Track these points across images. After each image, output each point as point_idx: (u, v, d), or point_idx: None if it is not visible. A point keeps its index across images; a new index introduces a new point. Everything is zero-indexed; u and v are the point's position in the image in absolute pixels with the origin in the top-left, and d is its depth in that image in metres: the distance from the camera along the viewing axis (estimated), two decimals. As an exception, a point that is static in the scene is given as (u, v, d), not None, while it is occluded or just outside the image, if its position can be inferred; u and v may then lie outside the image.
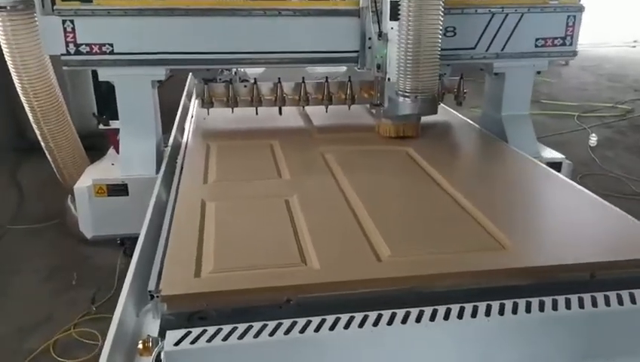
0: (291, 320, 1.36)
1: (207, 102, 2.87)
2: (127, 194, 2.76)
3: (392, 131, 2.73)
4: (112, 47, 2.66)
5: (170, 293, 1.43)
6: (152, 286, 1.51)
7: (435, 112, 2.67)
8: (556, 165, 2.99)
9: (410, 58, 2.44)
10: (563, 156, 3.06)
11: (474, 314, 1.38)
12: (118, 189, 2.75)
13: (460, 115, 3.36)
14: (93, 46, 2.65)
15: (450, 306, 1.40)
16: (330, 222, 1.85)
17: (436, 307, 1.39)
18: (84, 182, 2.79)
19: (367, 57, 2.77)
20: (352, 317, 1.37)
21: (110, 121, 3.13)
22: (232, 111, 2.90)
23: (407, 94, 2.52)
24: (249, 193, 2.10)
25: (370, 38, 2.72)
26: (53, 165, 3.40)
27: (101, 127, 3.18)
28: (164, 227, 1.89)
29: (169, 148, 3.00)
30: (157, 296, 1.47)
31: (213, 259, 1.59)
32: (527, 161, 2.51)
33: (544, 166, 2.44)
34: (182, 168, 2.45)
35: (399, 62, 2.50)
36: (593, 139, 6.00)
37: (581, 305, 1.42)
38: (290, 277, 1.51)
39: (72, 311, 3.21)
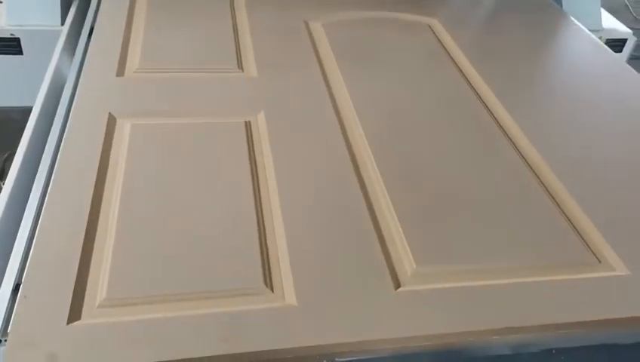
0: None
1: None
2: (22, 53, 1.92)
3: None
4: None
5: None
6: (-5, 325, 0.85)
7: None
8: (620, 42, 2.24)
9: None
10: (629, 30, 2.28)
11: None
12: (7, 45, 1.89)
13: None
14: None
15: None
16: (315, 184, 1.12)
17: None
18: (-44, 30, 1.90)
19: None
20: None
21: None
22: None
23: None
24: (188, 103, 1.31)
25: None
26: None
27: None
28: (43, 163, 1.16)
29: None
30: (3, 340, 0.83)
31: (107, 278, 0.90)
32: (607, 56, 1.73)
33: (625, 65, 1.67)
34: (90, 32, 1.60)
35: None
36: (627, -22, 5.03)
37: None
38: (241, 326, 0.85)
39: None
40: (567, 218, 1.10)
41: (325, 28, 1.66)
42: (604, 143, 1.34)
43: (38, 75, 1.54)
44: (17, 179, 1.15)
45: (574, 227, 1.08)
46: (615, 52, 2.22)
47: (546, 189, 1.17)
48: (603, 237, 1.06)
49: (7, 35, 1.87)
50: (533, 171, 1.21)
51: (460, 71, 1.54)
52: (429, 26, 1.75)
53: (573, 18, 1.95)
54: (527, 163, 1.23)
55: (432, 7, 1.86)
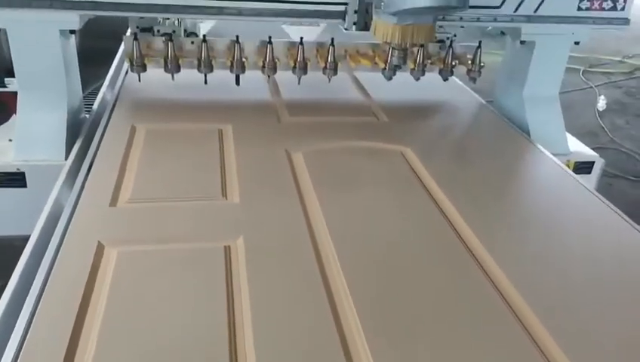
0: None
1: (137, 65, 2.11)
2: (25, 186, 2.05)
3: (395, 35, 1.87)
4: (1, -21, 1.88)
5: None
6: None
7: (465, 7, 1.82)
8: (588, 165, 2.38)
9: None
10: (596, 154, 2.43)
11: None
12: (13, 179, 2.04)
13: (469, 91, 2.66)
14: (-28, -23, 1.86)
15: None
16: (288, 308, 1.19)
17: None
18: (-33, 167, 2.06)
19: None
20: None
21: (7, 80, 2.35)
22: (173, 78, 2.15)
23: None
24: (173, 231, 1.42)
25: None
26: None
27: (-5, 88, 2.41)
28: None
29: (93, 115, 2.28)
30: None
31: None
32: (567, 179, 1.85)
33: (593, 193, 1.77)
34: (90, 167, 1.75)
35: None
36: (602, 102, 5.39)
37: None
38: None
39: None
40: (538, 347, 1.13)
41: (305, 157, 1.80)
42: (572, 268, 1.40)
43: (40, 206, 1.66)
44: (6, 310, 1.22)
45: (545, 356, 1.11)
46: (584, 173, 2.37)
47: (515, 314, 1.21)
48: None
49: (14, 170, 2.02)
50: (501, 294, 1.26)
51: (431, 196, 1.65)
52: (402, 154, 1.89)
53: (539, 145, 2.10)
54: (496, 286, 1.29)
55: (405, 136, 2.03)
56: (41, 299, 1.16)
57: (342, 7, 2.03)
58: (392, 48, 2.06)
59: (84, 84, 2.37)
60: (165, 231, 1.41)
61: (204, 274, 1.25)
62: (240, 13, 2.01)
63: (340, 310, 1.19)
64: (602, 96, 5.49)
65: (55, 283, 1.20)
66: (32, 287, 1.25)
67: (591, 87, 5.94)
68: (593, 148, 2.52)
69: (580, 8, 2.26)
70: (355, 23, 2.03)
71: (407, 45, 2.01)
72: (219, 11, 2.01)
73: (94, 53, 3.11)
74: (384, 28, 1.88)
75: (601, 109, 5.29)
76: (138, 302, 1.16)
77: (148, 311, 1.13)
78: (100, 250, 1.30)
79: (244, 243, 1.36)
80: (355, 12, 2.01)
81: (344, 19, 2.05)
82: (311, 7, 2.03)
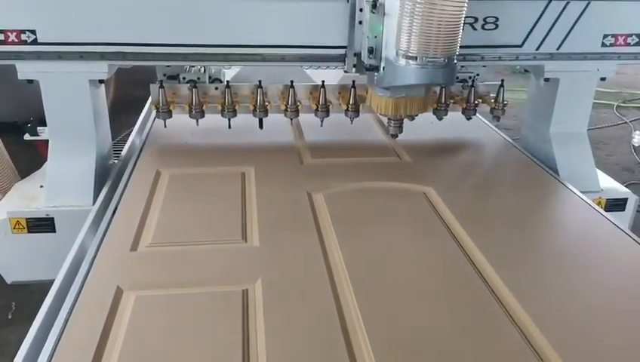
0: None
1: (162, 111, 2.17)
2: (54, 231, 2.10)
3: (388, 107, 1.94)
4: (35, 34, 1.97)
5: None
6: None
7: (452, 82, 1.86)
8: (621, 202, 2.30)
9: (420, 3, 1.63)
10: (628, 190, 2.36)
11: None
12: (42, 224, 2.08)
13: (493, 129, 2.63)
14: (8, 33, 1.96)
15: None
16: (305, 349, 1.16)
17: None
18: (-1, 213, 2.12)
19: (356, 38, 1.98)
20: None
21: (39, 129, 2.44)
22: (197, 124, 2.20)
23: (411, 55, 1.71)
24: (191, 275, 1.41)
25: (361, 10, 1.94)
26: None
27: (27, 137, 2.50)
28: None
29: (121, 160, 2.34)
30: None
31: None
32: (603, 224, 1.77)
33: (622, 230, 1.70)
34: (114, 211, 1.78)
35: (402, 9, 1.69)
36: (637, 138, 5.26)
37: None
38: None
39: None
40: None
41: (326, 198, 1.80)
42: (599, 306, 1.34)
43: (68, 250, 1.69)
44: (28, 352, 1.22)
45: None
46: (617, 211, 2.29)
47: (538, 355, 1.16)
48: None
49: (43, 216, 2.07)
50: (525, 337, 1.21)
51: (454, 236, 1.61)
52: (425, 194, 1.87)
53: (567, 183, 2.04)
54: (520, 328, 1.24)
55: (427, 176, 2.00)
56: (59, 343, 1.16)
57: (342, 51, 2.03)
58: (389, 119, 2.06)
59: (117, 131, 2.44)
60: (183, 275, 1.41)
61: (220, 319, 1.24)
62: (264, 59, 2.05)
63: (357, 353, 1.16)
64: (637, 132, 5.36)
65: (73, 328, 1.20)
66: (52, 331, 1.25)
67: (625, 122, 5.83)
68: (629, 185, 2.45)
69: (604, 44, 2.24)
70: (354, 66, 2.03)
71: (402, 116, 2.02)
72: (241, 58, 2.06)
73: (129, 101, 3.21)
74: (378, 101, 1.94)
75: (636, 145, 5.16)
76: (153, 346, 1.15)
77: (162, 356, 1.12)
78: (118, 294, 1.31)
79: (261, 287, 1.35)
80: (355, 55, 2.01)
81: (344, 63, 2.06)
82: (314, 52, 2.04)
